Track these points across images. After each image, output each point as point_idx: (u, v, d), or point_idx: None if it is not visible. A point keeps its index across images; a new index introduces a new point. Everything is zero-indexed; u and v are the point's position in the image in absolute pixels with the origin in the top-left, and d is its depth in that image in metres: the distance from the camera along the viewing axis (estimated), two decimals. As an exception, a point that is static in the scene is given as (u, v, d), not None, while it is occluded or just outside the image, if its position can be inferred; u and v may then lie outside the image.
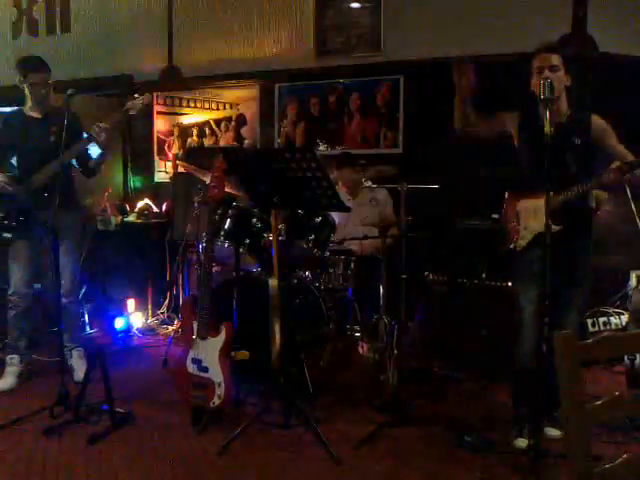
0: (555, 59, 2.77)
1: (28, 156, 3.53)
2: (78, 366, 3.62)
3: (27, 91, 3.53)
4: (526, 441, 2.75)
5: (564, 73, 2.79)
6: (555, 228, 2.58)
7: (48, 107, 3.60)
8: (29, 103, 3.58)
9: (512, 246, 2.97)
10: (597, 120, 2.84)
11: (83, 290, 4.86)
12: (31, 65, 3.52)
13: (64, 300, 3.53)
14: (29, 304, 3.64)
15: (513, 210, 3.00)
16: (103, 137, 3.42)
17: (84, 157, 3.61)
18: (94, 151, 3.65)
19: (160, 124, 5.95)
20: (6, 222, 3.46)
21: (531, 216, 2.89)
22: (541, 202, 2.73)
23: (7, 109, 3.83)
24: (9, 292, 3.61)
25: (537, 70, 2.78)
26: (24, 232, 3.50)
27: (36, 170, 3.45)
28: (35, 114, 3.59)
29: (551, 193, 2.54)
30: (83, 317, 4.66)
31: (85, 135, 3.46)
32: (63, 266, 3.45)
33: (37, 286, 3.86)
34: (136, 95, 3.51)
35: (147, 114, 5.93)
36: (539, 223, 2.79)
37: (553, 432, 2.86)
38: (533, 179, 2.86)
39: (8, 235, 3.48)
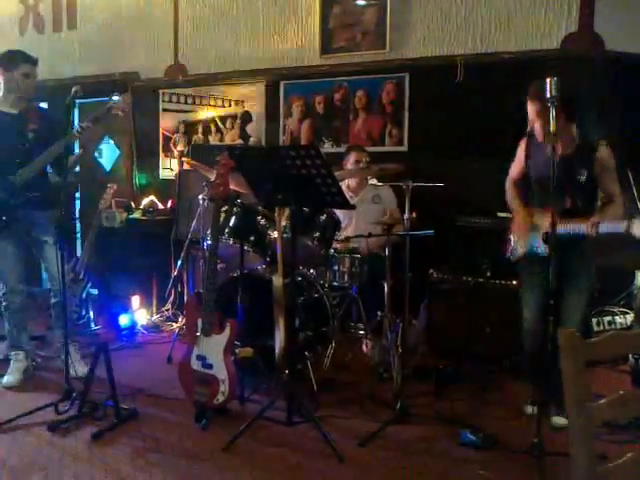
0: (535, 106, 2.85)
1: (4, 153, 3.43)
2: (75, 359, 3.55)
3: (10, 84, 3.46)
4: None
5: (555, 112, 2.62)
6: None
7: (25, 103, 3.54)
8: (5, 97, 3.50)
9: (508, 255, 3.04)
10: (603, 155, 2.87)
11: (87, 286, 4.89)
12: (23, 55, 3.49)
13: (58, 298, 3.56)
14: (24, 301, 3.65)
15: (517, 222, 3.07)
16: (85, 135, 3.42)
17: (61, 155, 3.50)
18: (112, 152, 3.64)
19: (166, 121, 5.95)
20: None
21: (534, 230, 2.95)
22: (545, 222, 2.77)
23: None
24: (2, 292, 3.62)
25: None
26: (7, 231, 3.47)
27: (14, 168, 3.39)
28: (9, 109, 3.51)
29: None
30: (79, 312, 4.69)
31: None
32: (53, 263, 3.47)
33: (40, 288, 3.88)
34: (116, 94, 3.49)
35: (152, 111, 5.95)
36: (537, 240, 2.88)
37: (560, 421, 2.89)
38: (538, 202, 2.97)
39: None
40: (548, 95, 2.52)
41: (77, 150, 3.95)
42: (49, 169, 3.61)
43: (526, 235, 2.96)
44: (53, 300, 3.70)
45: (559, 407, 2.93)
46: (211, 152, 5.27)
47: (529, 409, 3.08)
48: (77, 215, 6.40)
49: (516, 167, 3.18)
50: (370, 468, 2.64)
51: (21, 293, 3.62)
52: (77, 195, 6.44)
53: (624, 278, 4.28)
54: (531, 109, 2.90)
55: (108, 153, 6.44)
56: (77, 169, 3.88)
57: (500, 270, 3.90)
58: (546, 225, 2.68)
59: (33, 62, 3.50)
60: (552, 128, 2.51)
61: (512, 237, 3.07)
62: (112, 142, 6.27)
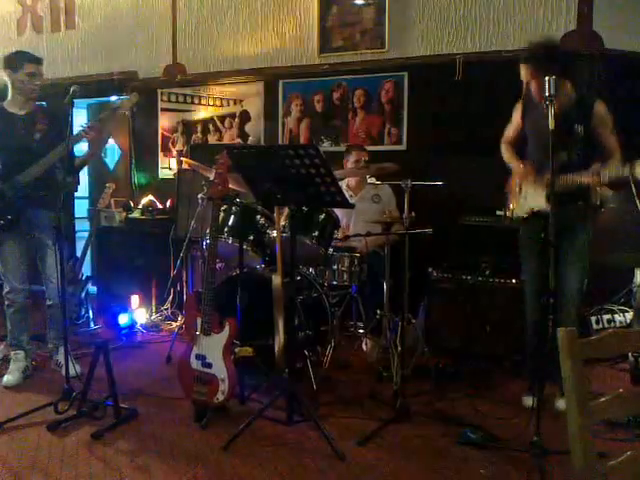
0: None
1: (10, 154, 3.48)
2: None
3: (16, 85, 3.49)
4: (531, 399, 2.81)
5: (562, 83, 2.81)
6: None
7: (33, 104, 3.56)
8: (13, 99, 3.54)
9: (509, 215, 3.07)
10: (599, 108, 2.94)
11: (87, 286, 4.90)
12: (28, 55, 3.52)
13: (54, 300, 3.59)
14: (26, 301, 3.66)
15: (516, 179, 3.14)
16: (92, 135, 3.45)
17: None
18: (78, 150, 3.67)
19: (164, 121, 5.95)
20: None
21: (531, 188, 3.01)
22: (542, 180, 2.79)
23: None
24: (4, 291, 3.63)
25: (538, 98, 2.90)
26: (12, 230, 3.50)
27: (20, 168, 3.42)
28: (18, 111, 3.54)
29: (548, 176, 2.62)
30: (78, 312, 4.69)
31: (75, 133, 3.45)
32: (51, 266, 3.48)
33: (42, 288, 3.89)
34: (123, 94, 3.54)
35: (151, 111, 5.95)
36: (537, 199, 2.94)
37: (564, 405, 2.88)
38: (536, 160, 3.00)
39: None
40: (547, 94, 2.52)
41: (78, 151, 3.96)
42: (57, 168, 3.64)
43: (530, 190, 2.99)
44: (48, 302, 3.70)
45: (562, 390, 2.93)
46: (210, 151, 5.29)
47: (528, 401, 3.06)
48: (87, 214, 6.43)
49: (512, 127, 3.25)
50: (370, 467, 2.64)
51: (23, 292, 3.63)
52: (84, 194, 6.48)
53: (624, 276, 4.28)
54: (525, 71, 2.96)
55: (111, 153, 6.47)
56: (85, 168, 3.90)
57: (499, 269, 3.90)
58: (546, 181, 2.69)
59: (38, 61, 3.52)
60: (551, 125, 2.51)
61: (514, 192, 3.11)
62: (114, 142, 6.30)
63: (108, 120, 3.56)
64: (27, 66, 3.47)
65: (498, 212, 3.88)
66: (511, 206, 3.12)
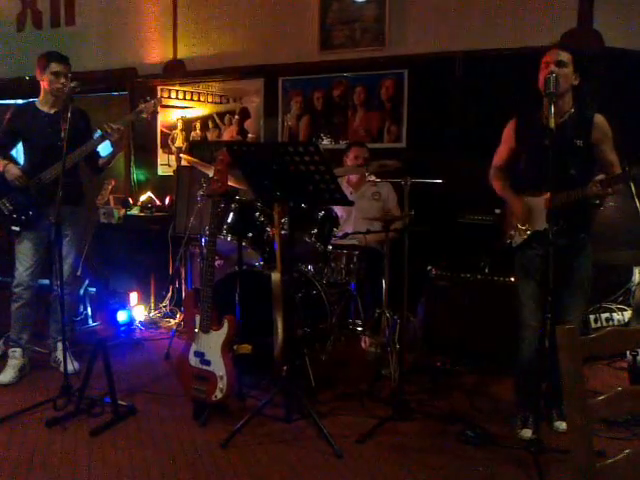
0: (564, 55, 2.77)
1: (37, 151, 3.56)
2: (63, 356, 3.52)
3: (45, 83, 3.56)
4: (530, 431, 2.75)
5: (572, 71, 2.78)
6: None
7: (61, 103, 3.59)
8: (43, 97, 3.62)
9: (508, 241, 2.99)
10: (600, 122, 2.81)
11: (85, 283, 4.89)
12: (55, 55, 3.58)
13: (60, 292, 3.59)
14: (32, 297, 3.66)
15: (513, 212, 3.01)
16: (116, 137, 3.54)
17: (93, 155, 3.68)
18: (103, 149, 3.74)
19: (164, 117, 5.94)
20: (15, 216, 3.52)
21: (530, 214, 2.88)
22: (540, 201, 2.73)
23: (19, 101, 3.87)
24: (13, 284, 3.63)
25: (544, 65, 2.77)
26: (32, 226, 3.55)
27: (45, 165, 3.48)
28: (47, 109, 3.62)
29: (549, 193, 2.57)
30: (78, 310, 4.68)
31: (98, 133, 3.57)
32: (64, 259, 3.49)
33: (45, 282, 3.89)
34: (148, 98, 3.64)
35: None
36: (537, 221, 2.80)
37: (562, 426, 2.87)
38: (532, 179, 2.86)
39: (17, 228, 3.54)
40: (546, 92, 2.53)
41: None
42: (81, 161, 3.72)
43: (529, 219, 2.91)
44: (55, 293, 3.69)
45: (561, 412, 2.90)
46: (209, 148, 5.28)
47: (527, 432, 2.79)
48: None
49: (503, 149, 3.05)
50: (368, 464, 2.64)
51: (31, 289, 3.63)
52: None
53: (622, 275, 4.28)
54: (553, 56, 2.81)
55: (104, 149, 6.43)
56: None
57: (498, 267, 3.90)
58: (544, 203, 2.65)
59: (62, 60, 3.57)
60: (551, 124, 2.50)
61: (510, 222, 3.01)
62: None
63: (130, 123, 3.62)
64: (52, 65, 3.53)
65: (497, 210, 3.89)
66: (508, 240, 3.03)
